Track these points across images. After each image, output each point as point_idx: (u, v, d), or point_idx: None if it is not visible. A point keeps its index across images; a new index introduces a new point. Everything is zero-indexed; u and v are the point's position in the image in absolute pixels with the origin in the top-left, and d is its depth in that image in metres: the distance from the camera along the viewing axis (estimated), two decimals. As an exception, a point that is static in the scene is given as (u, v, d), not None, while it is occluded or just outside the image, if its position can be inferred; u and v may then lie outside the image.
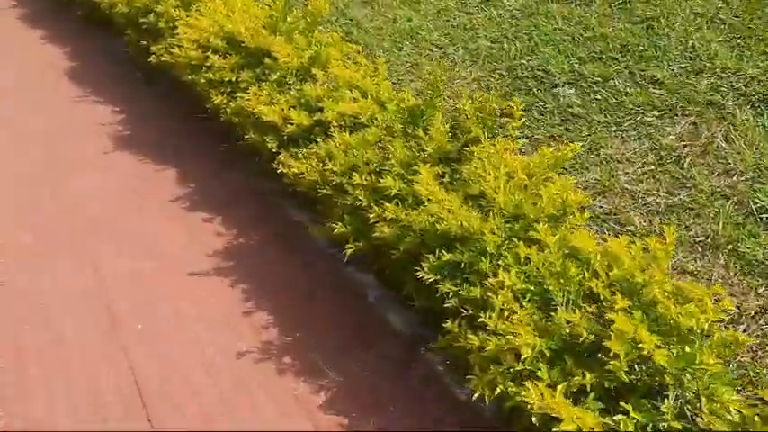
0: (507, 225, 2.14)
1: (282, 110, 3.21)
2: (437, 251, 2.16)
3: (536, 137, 3.20)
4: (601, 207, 2.77)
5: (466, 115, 2.66)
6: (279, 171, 3.10)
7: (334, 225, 2.56)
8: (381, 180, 2.43)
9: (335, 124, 3.02)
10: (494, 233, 2.06)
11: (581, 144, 3.03)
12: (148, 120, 4.46)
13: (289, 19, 3.80)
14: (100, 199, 3.62)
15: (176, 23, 4.29)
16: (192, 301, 2.86)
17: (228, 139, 3.84)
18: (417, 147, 2.71)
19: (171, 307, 2.85)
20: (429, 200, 2.32)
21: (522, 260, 2.04)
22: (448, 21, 4.26)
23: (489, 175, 2.31)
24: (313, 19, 3.83)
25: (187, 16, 4.15)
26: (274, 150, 3.15)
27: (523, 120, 2.53)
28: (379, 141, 2.80)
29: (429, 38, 4.15)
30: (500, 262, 2.04)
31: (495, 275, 1.96)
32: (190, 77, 3.85)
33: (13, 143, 4.27)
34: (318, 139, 2.99)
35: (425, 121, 2.82)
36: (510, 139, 2.56)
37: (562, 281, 1.90)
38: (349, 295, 2.84)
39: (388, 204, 2.40)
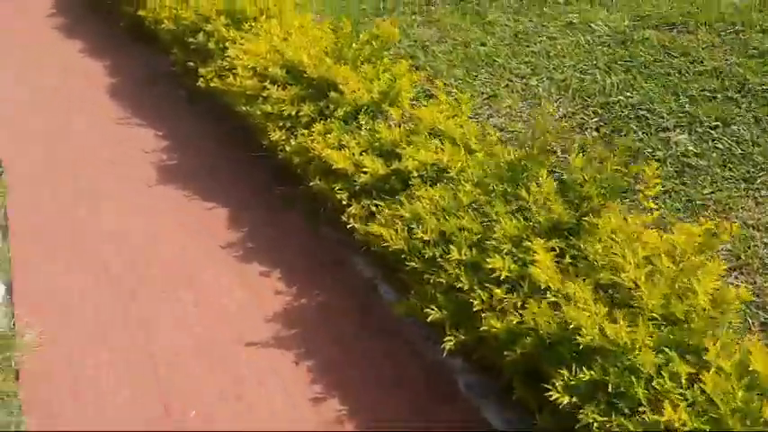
0: (659, 331, 1.71)
1: (353, 154, 2.81)
2: (570, 361, 1.74)
3: (646, 191, 2.76)
4: (738, 285, 2.33)
5: (583, 177, 2.24)
6: (349, 226, 2.71)
7: (428, 309, 2.14)
8: (488, 260, 2.01)
9: (416, 174, 2.62)
10: (647, 347, 1.64)
11: (701, 203, 2.59)
12: (194, 146, 4.11)
13: (354, 45, 3.40)
14: (144, 245, 3.27)
15: (226, 44, 3.95)
16: (254, 381, 2.48)
17: (286, 177, 3.45)
18: (518, 209, 2.29)
19: (230, 388, 2.47)
20: (549, 288, 1.91)
21: (684, 383, 1.61)
22: (528, 46, 3.83)
23: (623, 258, 1.89)
24: (381, 46, 3.44)
25: (240, 38, 3.79)
26: (344, 202, 2.75)
27: (659, 187, 2.10)
28: (474, 201, 2.39)
29: (507, 65, 3.72)
30: (655, 384, 1.61)
31: (655, 407, 1.54)
32: (244, 108, 3.48)
33: (46, 171, 3.94)
34: (400, 195, 2.59)
35: (528, 177, 2.40)
36: (641, 208, 2.13)
37: (748, 423, 1.47)
38: (436, 379, 2.43)
39: (496, 290, 1.99)
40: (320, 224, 3.27)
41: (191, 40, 4.21)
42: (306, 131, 3.15)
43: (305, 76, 3.30)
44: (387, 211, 2.47)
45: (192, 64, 4.20)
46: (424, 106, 3.05)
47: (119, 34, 5.73)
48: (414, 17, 4.42)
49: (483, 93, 3.59)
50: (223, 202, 3.55)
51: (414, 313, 2.32)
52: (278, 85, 3.35)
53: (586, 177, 2.22)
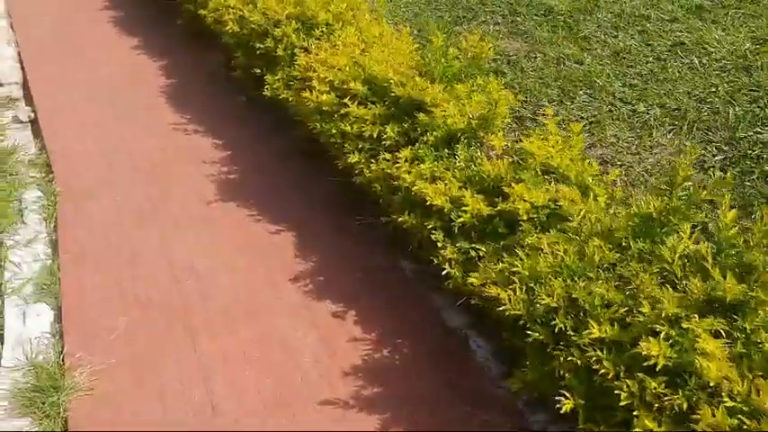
0: None
1: (449, 189, 2.46)
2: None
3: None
4: None
5: (743, 238, 1.86)
6: (445, 271, 2.37)
7: (559, 397, 1.78)
8: (641, 344, 1.65)
9: (526, 218, 2.26)
10: None
11: None
12: (256, 159, 3.81)
13: (444, 60, 3.06)
14: (203, 272, 2.97)
15: (295, 51, 3.64)
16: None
17: (360, 201, 3.12)
18: (659, 272, 1.92)
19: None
20: (723, 388, 1.54)
21: None
22: (631, 67, 3.44)
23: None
24: (473, 62, 3.08)
25: (314, 47, 3.47)
26: (440, 245, 2.41)
27: None
28: (601, 258, 2.02)
29: (609, 88, 3.34)
30: None
31: None
32: (318, 126, 3.15)
33: (98, 182, 3.68)
34: (506, 240, 2.24)
35: (668, 233, 2.03)
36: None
37: None
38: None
39: (651, 382, 1.62)
40: (399, 257, 2.94)
41: (257, 44, 3.91)
42: (389, 156, 2.82)
43: (390, 93, 2.96)
44: (499, 264, 2.11)
45: (257, 71, 3.90)
46: (524, 134, 2.69)
47: (175, 32, 5.48)
48: (497, 27, 4.05)
49: (583, 118, 3.21)
50: (289, 226, 3.24)
51: (532, 391, 1.96)
52: (358, 103, 3.03)
53: (751, 240, 1.84)
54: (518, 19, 4.06)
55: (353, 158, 2.92)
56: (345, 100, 3.01)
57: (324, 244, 3.09)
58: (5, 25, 6.00)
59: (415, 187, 2.49)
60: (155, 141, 4.03)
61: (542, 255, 2.02)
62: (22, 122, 4.47)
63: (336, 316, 2.70)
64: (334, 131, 3.08)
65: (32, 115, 4.48)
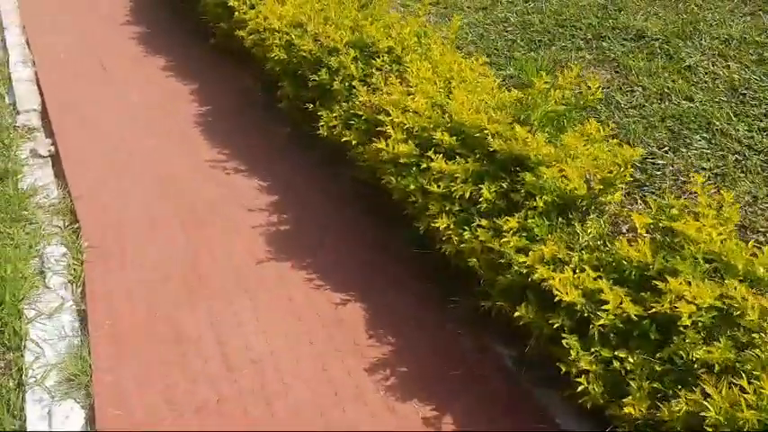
0: None
1: (581, 278, 1.97)
2: None
3: None
4: None
5: None
6: (580, 388, 1.88)
7: None
8: None
9: (689, 322, 1.77)
10: None
11: None
12: (311, 207, 3.34)
13: (545, 105, 2.56)
14: (259, 357, 2.49)
15: (353, 83, 3.17)
16: None
17: (443, 272, 2.64)
18: None
19: None
20: None
21: None
22: (756, 105, 2.93)
23: None
24: (578, 105, 2.59)
25: (380, 80, 2.99)
26: (573, 355, 1.92)
27: None
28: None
29: (732, 132, 2.84)
30: None
31: None
32: (393, 180, 2.67)
33: (125, 235, 3.21)
34: (662, 353, 1.75)
35: None
36: None
37: None
38: None
39: None
40: (494, 340, 2.46)
41: (309, 75, 3.43)
42: (486, 223, 2.33)
43: (483, 145, 2.47)
44: (677, 403, 1.61)
45: (309, 105, 3.42)
46: (640, 194, 2.20)
47: (206, 51, 5.01)
48: (580, 54, 3.55)
49: (704, 169, 2.70)
50: (357, 295, 2.76)
51: None
52: (443, 155, 2.54)
53: None
54: (604, 44, 3.56)
55: (440, 223, 2.44)
56: (429, 153, 2.52)
57: (400, 320, 2.61)
58: (21, 41, 5.56)
59: (536, 274, 2.00)
60: (193, 183, 3.56)
61: (737, 390, 1.52)
62: (41, 157, 4.02)
63: (429, 423, 2.21)
64: (412, 187, 2.59)
65: (53, 149, 4.03)
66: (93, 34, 5.57)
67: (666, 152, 2.81)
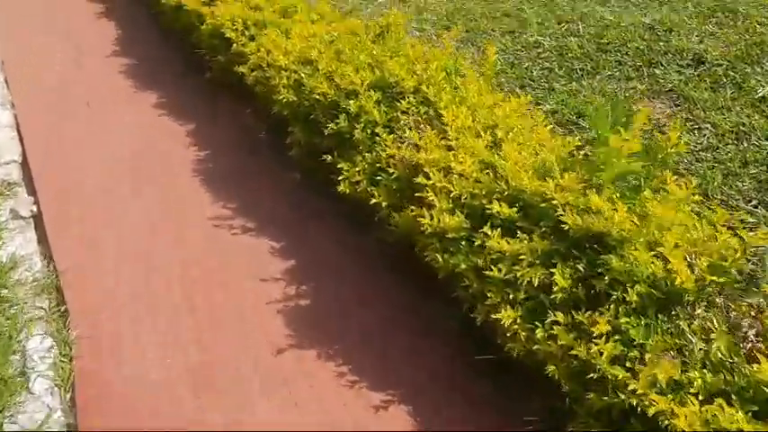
0: None
1: (712, 415, 1.53)
2: None
3: None
4: None
5: None
6: None
7: None
8: None
9: None
10: None
11: None
12: (331, 271, 2.90)
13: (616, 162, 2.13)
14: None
15: (377, 130, 2.74)
16: None
17: (509, 370, 2.20)
18: None
19: None
20: None
21: None
22: None
23: None
24: (663, 156, 2.16)
25: (414, 132, 2.56)
26: None
27: None
28: None
29: (833, 181, 2.40)
30: None
31: None
32: (439, 258, 2.23)
33: (131, 325, 2.77)
34: None
35: None
36: None
37: None
38: None
39: None
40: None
41: (325, 121, 2.99)
42: (562, 317, 1.90)
43: (550, 217, 2.04)
44: None
45: (326, 157, 2.98)
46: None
47: (201, 85, 4.57)
48: (631, 84, 3.12)
49: (807, 230, 2.27)
50: (400, 395, 2.31)
51: None
52: (500, 227, 2.10)
53: None
54: (657, 71, 3.12)
55: (504, 317, 1.99)
56: (485, 229, 2.08)
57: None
58: (0, 79, 5.10)
59: (652, 408, 1.55)
60: (195, 248, 3.12)
61: None
62: (23, 218, 3.56)
63: None
64: (464, 267, 2.15)
65: (35, 209, 3.57)
66: (79, 67, 5.12)
67: (756, 207, 2.37)
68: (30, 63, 5.18)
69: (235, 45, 3.88)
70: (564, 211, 1.97)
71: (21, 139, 4.23)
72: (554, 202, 1.99)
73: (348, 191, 2.78)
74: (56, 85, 4.80)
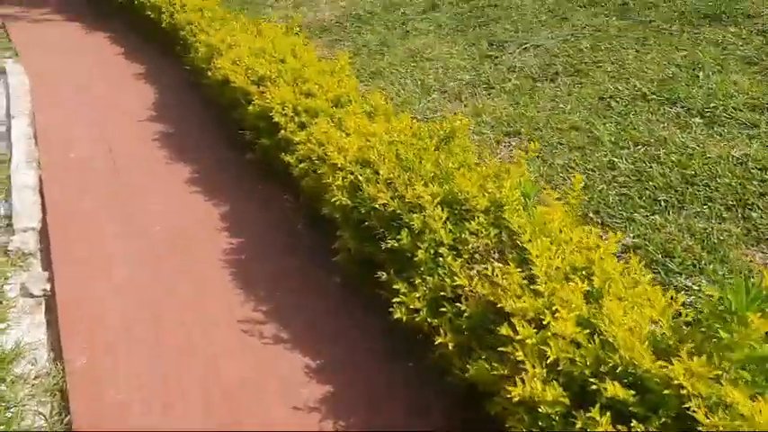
0: None
1: None
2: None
3: None
4: None
5: None
6: None
7: None
8: None
9: None
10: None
11: None
12: (378, 409, 2.51)
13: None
14: None
15: (440, 250, 2.44)
16: None
17: None
18: None
19: None
20: None
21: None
22: None
23: None
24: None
25: (486, 261, 2.24)
26: None
27: None
28: None
29: None
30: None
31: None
32: (527, 433, 1.86)
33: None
34: None
35: None
36: None
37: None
38: None
39: None
40: None
41: (383, 232, 2.69)
42: None
43: (675, 406, 1.68)
44: None
45: (381, 275, 2.66)
46: None
47: (241, 166, 4.33)
48: (724, 226, 2.81)
49: None
50: None
51: None
52: (610, 409, 1.74)
53: None
54: (753, 215, 2.81)
55: None
56: (593, 413, 1.72)
57: None
58: (29, 133, 4.89)
59: None
60: (223, 358, 2.76)
61: None
62: (33, 297, 3.24)
63: None
64: (554, 447, 1.78)
65: (48, 288, 3.25)
66: (112, 130, 4.93)
67: None
68: (61, 122, 4.99)
69: (283, 131, 3.64)
70: (692, 403, 1.62)
71: (42, 204, 3.96)
72: (682, 391, 1.64)
73: (405, 318, 2.44)
74: (86, 147, 4.60)
